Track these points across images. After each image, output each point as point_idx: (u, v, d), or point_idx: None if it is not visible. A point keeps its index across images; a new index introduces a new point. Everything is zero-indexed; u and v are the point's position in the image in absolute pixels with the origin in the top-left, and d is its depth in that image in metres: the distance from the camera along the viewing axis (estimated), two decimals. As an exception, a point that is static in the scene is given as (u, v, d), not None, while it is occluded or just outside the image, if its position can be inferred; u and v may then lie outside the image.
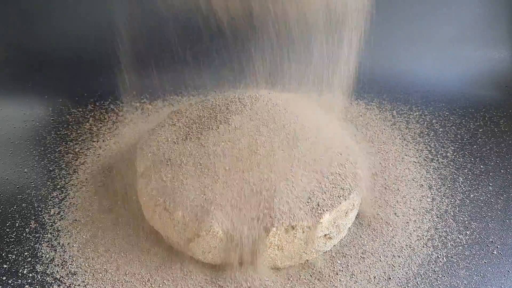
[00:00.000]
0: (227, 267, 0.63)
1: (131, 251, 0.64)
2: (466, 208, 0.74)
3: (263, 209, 0.61)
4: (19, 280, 0.61)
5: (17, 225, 0.70)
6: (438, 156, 0.86)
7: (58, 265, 0.63)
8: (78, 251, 0.65)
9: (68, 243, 0.67)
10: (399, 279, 0.62)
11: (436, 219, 0.72)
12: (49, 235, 0.68)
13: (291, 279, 0.62)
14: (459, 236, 0.69)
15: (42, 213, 0.72)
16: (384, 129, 0.95)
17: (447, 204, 0.75)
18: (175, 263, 0.63)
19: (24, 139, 0.91)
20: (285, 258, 0.63)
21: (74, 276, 0.62)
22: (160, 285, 0.60)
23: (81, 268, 0.63)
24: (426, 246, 0.67)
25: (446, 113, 1.00)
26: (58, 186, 0.78)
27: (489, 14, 1.15)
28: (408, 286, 0.61)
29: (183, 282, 0.61)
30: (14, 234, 0.68)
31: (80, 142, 0.90)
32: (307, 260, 0.65)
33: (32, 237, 0.68)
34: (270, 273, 0.63)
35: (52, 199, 0.75)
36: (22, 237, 0.68)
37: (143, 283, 0.61)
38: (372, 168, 0.81)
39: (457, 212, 0.73)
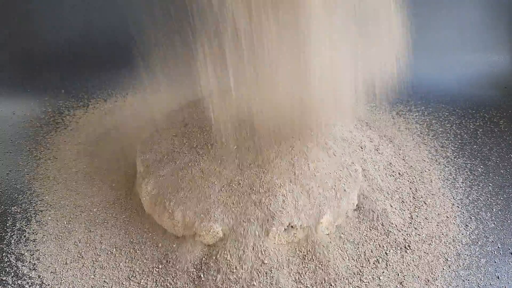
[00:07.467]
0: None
1: (133, 248, 0.64)
2: (466, 208, 0.74)
3: (264, 209, 0.61)
4: (19, 280, 0.61)
5: (17, 225, 0.70)
6: (438, 156, 0.87)
7: (58, 264, 0.63)
8: (78, 250, 0.65)
9: (68, 242, 0.67)
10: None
11: (436, 219, 0.72)
12: (49, 235, 0.68)
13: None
14: (459, 236, 0.69)
15: (42, 213, 0.72)
16: (384, 129, 0.95)
17: (447, 204, 0.75)
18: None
19: (24, 139, 0.91)
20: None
21: (75, 275, 0.62)
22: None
23: (82, 267, 0.63)
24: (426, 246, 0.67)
25: (446, 113, 1.00)
26: (58, 187, 0.78)
27: (489, 16, 1.15)
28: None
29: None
30: (14, 234, 0.68)
31: (80, 142, 0.90)
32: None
33: (32, 237, 0.68)
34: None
35: (52, 199, 0.75)
36: (22, 237, 0.68)
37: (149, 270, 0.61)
38: (372, 168, 0.81)
39: (457, 212, 0.73)
